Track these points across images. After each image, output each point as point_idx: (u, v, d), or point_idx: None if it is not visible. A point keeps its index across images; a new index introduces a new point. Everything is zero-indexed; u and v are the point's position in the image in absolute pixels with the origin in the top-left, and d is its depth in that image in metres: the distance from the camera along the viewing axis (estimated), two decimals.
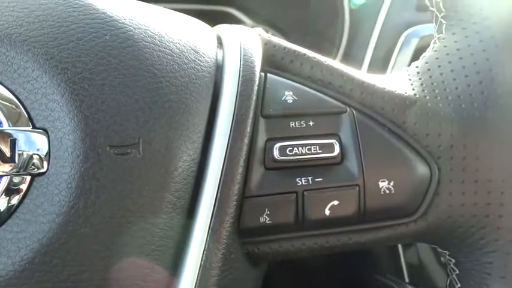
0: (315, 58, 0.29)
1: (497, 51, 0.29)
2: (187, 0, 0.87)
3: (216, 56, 0.28)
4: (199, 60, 0.26)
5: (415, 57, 0.43)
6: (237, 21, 0.87)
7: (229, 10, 0.88)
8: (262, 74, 0.28)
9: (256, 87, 0.27)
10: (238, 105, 0.26)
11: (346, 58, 0.62)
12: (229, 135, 0.25)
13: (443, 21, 0.31)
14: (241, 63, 0.27)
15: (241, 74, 0.27)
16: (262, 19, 0.87)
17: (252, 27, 0.95)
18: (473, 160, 0.28)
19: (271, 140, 0.27)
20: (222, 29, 0.31)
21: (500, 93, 0.28)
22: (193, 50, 0.27)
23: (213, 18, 0.93)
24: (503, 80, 0.29)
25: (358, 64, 0.61)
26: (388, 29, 0.59)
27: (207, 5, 0.87)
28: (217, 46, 0.29)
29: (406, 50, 0.58)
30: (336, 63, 0.30)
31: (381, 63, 0.60)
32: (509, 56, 0.29)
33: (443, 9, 0.31)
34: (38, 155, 0.22)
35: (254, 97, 0.27)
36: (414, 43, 0.58)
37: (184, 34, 0.27)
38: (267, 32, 0.97)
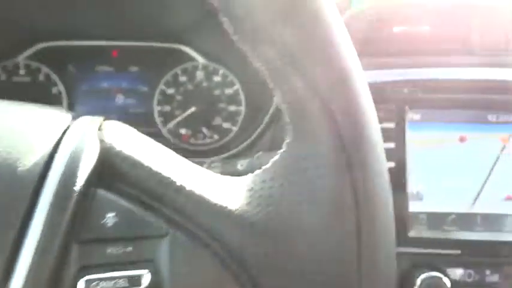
0: (152, 169, 0.28)
1: (330, 172, 0.28)
2: (141, 38, 0.87)
3: (40, 171, 0.26)
4: (14, 185, 0.25)
5: None
6: (190, 59, 0.87)
7: (182, 48, 0.87)
8: (93, 189, 0.27)
9: (69, 211, 0.25)
10: (46, 233, 0.25)
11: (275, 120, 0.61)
12: (30, 267, 0.24)
13: (289, 127, 0.30)
14: (61, 180, 0.26)
15: (55, 195, 0.25)
16: (215, 58, 0.87)
17: (205, 65, 0.94)
18: (284, 282, 0.27)
19: (83, 269, 0.26)
20: (73, 127, 0.29)
21: (309, 223, 0.28)
22: (9, 173, 0.25)
23: (166, 56, 0.92)
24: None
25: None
26: None
27: (160, 43, 0.87)
28: (48, 156, 0.27)
29: None
30: (182, 168, 0.29)
31: None
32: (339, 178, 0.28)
33: (288, 119, 0.30)
34: None
35: (65, 223, 0.25)
36: None
37: (8, 146, 0.25)
38: (218, 70, 0.95)
